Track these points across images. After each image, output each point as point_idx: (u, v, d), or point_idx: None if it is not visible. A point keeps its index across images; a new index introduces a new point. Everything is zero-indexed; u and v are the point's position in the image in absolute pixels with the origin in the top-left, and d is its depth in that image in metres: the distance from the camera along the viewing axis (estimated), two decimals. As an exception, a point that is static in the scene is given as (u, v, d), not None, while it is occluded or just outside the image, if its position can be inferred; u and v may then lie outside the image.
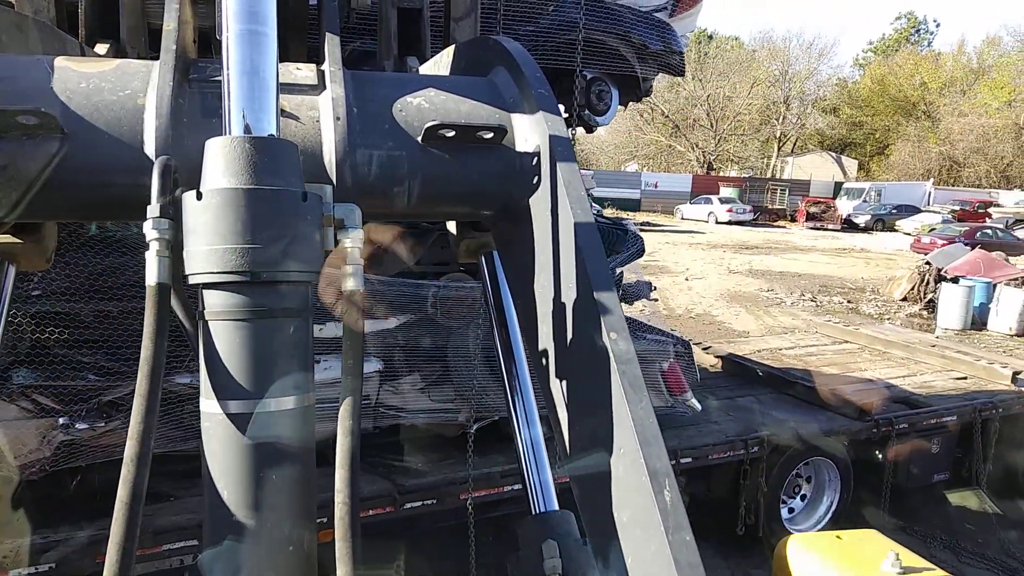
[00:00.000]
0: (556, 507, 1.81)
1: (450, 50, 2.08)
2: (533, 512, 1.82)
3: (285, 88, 1.47)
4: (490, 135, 1.56)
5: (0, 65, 1.41)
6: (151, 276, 1.21)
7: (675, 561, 1.07)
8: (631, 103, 7.78)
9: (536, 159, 1.58)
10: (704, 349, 9.23)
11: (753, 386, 8.28)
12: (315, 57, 1.70)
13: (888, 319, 18.68)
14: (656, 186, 52.54)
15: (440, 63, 2.14)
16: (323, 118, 1.50)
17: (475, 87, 1.72)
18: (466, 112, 1.64)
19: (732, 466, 6.59)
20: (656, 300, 7.79)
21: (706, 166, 62.17)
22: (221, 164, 1.21)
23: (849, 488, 7.33)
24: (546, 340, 1.53)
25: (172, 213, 1.21)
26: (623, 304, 7.23)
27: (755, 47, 67.47)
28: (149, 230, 1.20)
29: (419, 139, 1.55)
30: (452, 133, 1.53)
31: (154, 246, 1.20)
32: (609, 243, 6.78)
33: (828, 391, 7.50)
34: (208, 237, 1.18)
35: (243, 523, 1.19)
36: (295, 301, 1.26)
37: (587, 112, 6.79)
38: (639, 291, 7.25)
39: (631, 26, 6.69)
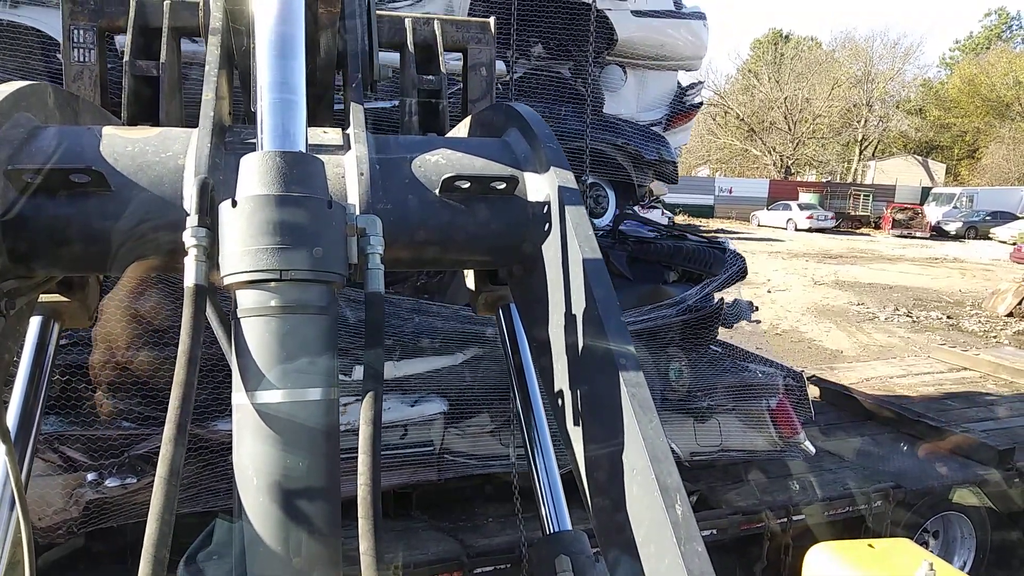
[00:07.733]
0: (569, 527, 1.84)
1: (467, 120, 2.21)
2: (546, 532, 1.86)
3: (313, 149, 1.56)
4: (503, 185, 1.66)
5: (53, 134, 1.54)
6: (189, 278, 1.25)
7: (688, 571, 1.08)
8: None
9: (546, 207, 1.67)
10: (809, 379, 8.25)
11: (865, 423, 7.34)
12: (341, 123, 1.86)
13: (994, 337, 17.23)
14: (731, 192, 50.88)
15: (458, 132, 2.27)
16: (348, 174, 1.61)
17: (489, 147, 1.83)
18: (480, 166, 1.73)
19: (851, 523, 5.70)
20: (759, 322, 6.88)
21: (783, 170, 60.01)
22: (255, 176, 1.29)
23: (986, 548, 6.34)
24: (560, 376, 1.59)
25: (209, 223, 1.27)
26: (721, 328, 6.55)
27: (835, 47, 65.09)
28: (188, 238, 1.25)
29: (436, 191, 1.64)
30: (467, 184, 1.63)
31: (192, 252, 1.25)
32: (704, 264, 6.11)
33: (959, 432, 6.51)
34: (242, 239, 1.24)
35: (269, 504, 1.22)
36: (321, 299, 1.30)
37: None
38: (738, 312, 6.38)
39: (629, 137, 7.26)
